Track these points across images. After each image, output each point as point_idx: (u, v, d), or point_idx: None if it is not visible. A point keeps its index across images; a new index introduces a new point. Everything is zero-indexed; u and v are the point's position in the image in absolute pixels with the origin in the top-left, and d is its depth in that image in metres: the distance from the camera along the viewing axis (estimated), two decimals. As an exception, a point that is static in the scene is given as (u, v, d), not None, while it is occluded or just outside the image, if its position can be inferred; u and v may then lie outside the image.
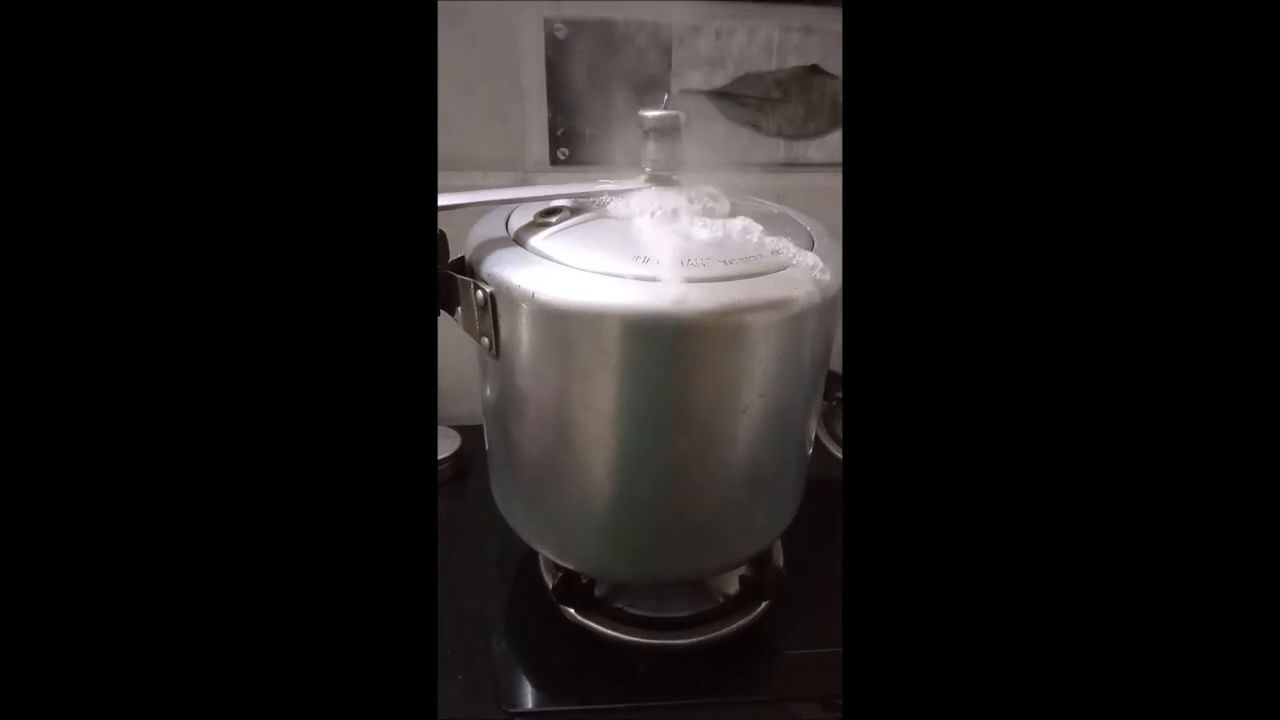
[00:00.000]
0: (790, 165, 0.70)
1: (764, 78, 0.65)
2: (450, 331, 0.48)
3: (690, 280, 0.33)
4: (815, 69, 0.65)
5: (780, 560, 0.49)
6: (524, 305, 0.34)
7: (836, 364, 0.36)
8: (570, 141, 0.64)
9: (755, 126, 0.67)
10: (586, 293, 0.33)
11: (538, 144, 0.64)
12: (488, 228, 0.38)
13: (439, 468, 0.67)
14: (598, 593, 0.46)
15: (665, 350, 0.33)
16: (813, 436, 0.43)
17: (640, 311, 0.32)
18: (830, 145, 0.69)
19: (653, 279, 0.33)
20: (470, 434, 0.69)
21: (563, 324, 0.34)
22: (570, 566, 0.43)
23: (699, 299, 0.32)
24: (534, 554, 0.49)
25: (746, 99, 0.66)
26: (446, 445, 0.68)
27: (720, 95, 0.65)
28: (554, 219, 0.36)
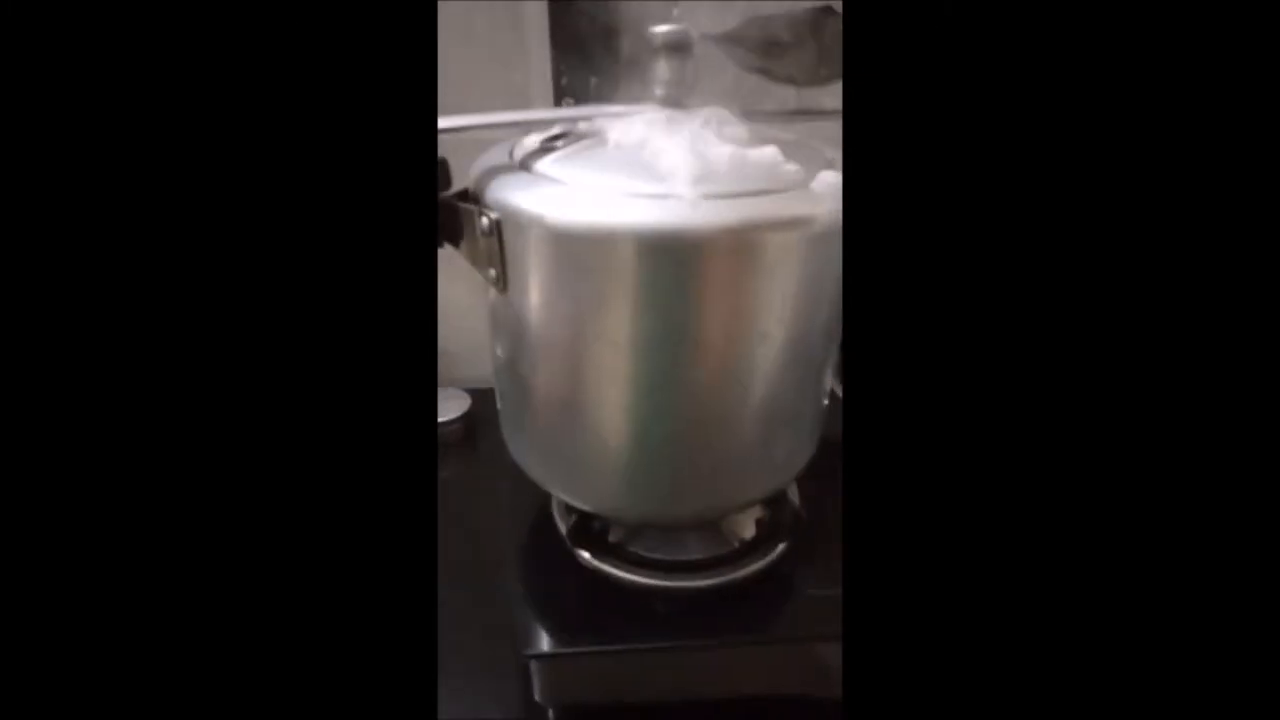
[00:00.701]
0: (802, 113, 0.68)
1: (773, 20, 0.63)
2: (458, 294, 0.47)
3: (706, 196, 0.31)
4: (828, 10, 0.63)
5: (797, 501, 0.48)
6: (531, 229, 0.33)
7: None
8: (575, 91, 0.62)
9: (765, 72, 0.65)
10: (596, 212, 0.31)
11: (541, 94, 0.62)
12: (491, 158, 0.37)
13: (449, 427, 0.66)
14: (612, 538, 0.45)
15: (680, 271, 0.32)
16: (831, 375, 0.42)
17: (654, 229, 0.31)
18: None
19: (666, 195, 0.31)
20: (481, 397, 0.68)
21: (572, 247, 0.32)
22: (585, 508, 0.42)
23: (715, 215, 0.31)
24: (548, 508, 0.48)
25: (755, 43, 0.64)
26: (457, 405, 0.67)
27: (727, 40, 0.63)
28: (561, 143, 0.35)
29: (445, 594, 0.46)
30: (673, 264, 0.32)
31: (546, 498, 0.48)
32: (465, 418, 0.67)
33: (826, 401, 0.43)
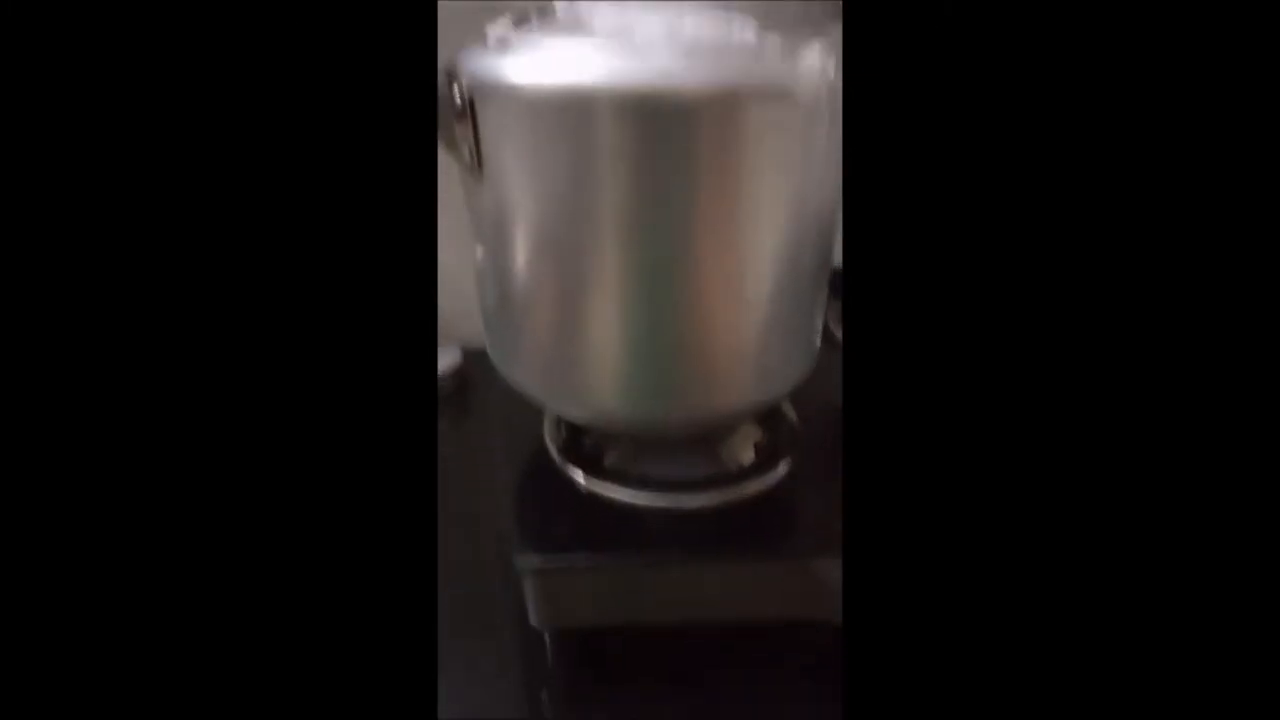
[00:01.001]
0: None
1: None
2: (448, 254, 0.46)
3: (686, 59, 0.30)
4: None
5: (794, 419, 0.46)
6: (506, 100, 0.31)
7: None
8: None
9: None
10: (570, 74, 0.30)
11: None
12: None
13: (440, 382, 0.65)
14: (608, 462, 0.43)
15: (660, 137, 0.31)
16: (824, 292, 0.41)
17: (632, 90, 0.30)
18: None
19: (645, 60, 0.30)
20: (471, 356, 0.67)
21: (548, 115, 0.31)
22: (576, 417, 0.41)
23: (692, 75, 0.30)
24: (543, 455, 0.46)
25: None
26: (449, 359, 0.66)
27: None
28: (534, 20, 0.34)
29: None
30: (652, 129, 0.30)
31: (541, 449, 0.46)
32: (456, 374, 0.66)
33: (819, 339, 0.42)
